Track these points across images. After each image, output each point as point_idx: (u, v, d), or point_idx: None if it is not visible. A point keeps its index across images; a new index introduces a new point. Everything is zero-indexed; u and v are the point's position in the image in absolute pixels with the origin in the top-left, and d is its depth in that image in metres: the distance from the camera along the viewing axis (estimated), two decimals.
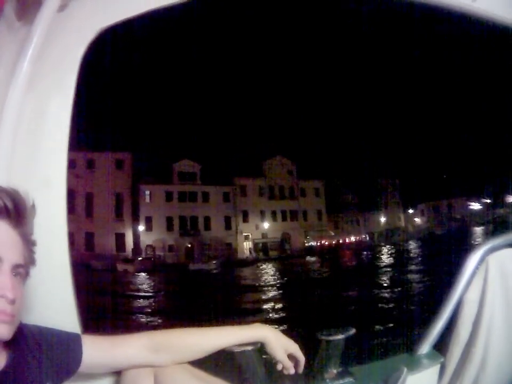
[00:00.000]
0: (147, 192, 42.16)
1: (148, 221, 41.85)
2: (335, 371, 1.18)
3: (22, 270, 0.79)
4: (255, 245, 46.43)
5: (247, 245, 46.19)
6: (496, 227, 31.81)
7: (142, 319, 11.97)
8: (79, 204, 35.98)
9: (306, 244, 48.83)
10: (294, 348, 0.99)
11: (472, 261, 1.23)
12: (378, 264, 25.96)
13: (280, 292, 17.11)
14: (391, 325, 8.72)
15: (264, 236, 47.25)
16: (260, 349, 0.99)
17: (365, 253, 38.29)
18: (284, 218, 49.27)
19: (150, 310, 13.69)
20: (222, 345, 0.96)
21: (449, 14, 1.26)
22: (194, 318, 9.44)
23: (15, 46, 0.95)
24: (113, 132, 40.88)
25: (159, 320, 11.50)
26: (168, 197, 43.06)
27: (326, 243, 49.10)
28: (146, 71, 65.73)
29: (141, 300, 16.27)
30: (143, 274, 30.09)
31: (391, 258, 30.42)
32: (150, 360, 0.92)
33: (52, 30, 0.95)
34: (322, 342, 1.15)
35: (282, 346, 0.97)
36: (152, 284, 23.96)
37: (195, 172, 44.80)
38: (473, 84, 64.11)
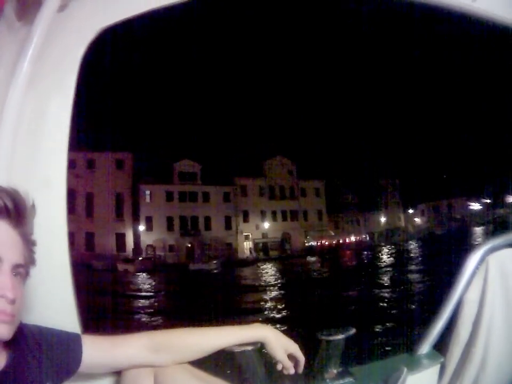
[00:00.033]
0: (147, 192, 42.16)
1: (148, 221, 41.86)
2: (335, 371, 1.18)
3: (22, 270, 0.79)
4: (255, 244, 46.44)
5: (247, 245, 46.20)
6: (496, 227, 31.81)
7: (142, 319, 11.98)
8: (80, 204, 36.00)
9: (306, 244, 48.85)
10: (294, 347, 0.99)
11: (472, 261, 1.23)
12: (379, 264, 25.98)
13: (281, 291, 17.12)
14: (391, 325, 8.73)
15: (264, 235, 47.25)
16: (260, 349, 0.99)
17: (365, 253, 38.33)
18: (284, 218, 49.28)
19: (150, 310, 13.69)
20: (222, 345, 0.96)
21: (449, 14, 1.26)
22: (195, 318, 9.44)
23: (15, 46, 0.95)
24: (113, 131, 40.88)
25: (160, 320, 11.51)
26: (169, 197, 43.08)
27: (326, 243, 49.10)
28: (147, 71, 65.85)
29: (142, 300, 16.29)
30: (144, 274, 30.11)
31: (391, 258, 30.43)
32: (150, 360, 0.92)
33: (52, 30, 0.95)
34: (323, 342, 1.15)
35: (282, 346, 0.97)
36: (153, 284, 23.99)
37: (195, 171, 44.80)
38: (473, 84, 64.16)
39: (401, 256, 29.50)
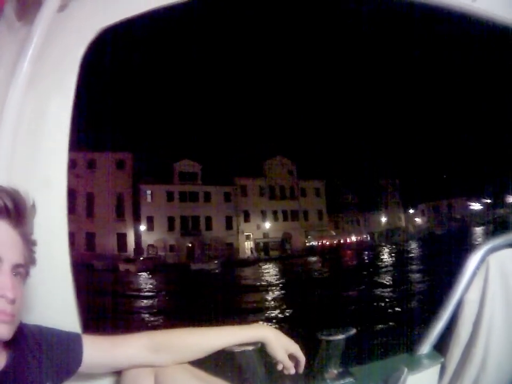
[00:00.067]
0: (148, 192, 42.20)
1: (149, 221, 41.90)
2: (335, 371, 1.18)
3: (22, 270, 0.79)
4: (256, 244, 46.44)
5: (248, 245, 46.21)
6: (496, 227, 31.79)
7: (143, 319, 11.98)
8: (80, 204, 36.02)
9: (307, 244, 48.88)
10: (294, 348, 0.99)
11: (472, 261, 1.23)
12: (379, 264, 25.97)
13: (281, 291, 17.12)
14: (391, 324, 8.73)
15: (265, 235, 47.27)
16: (260, 349, 0.99)
17: (365, 252, 38.31)
18: (285, 218, 49.28)
19: (151, 310, 13.70)
20: (222, 345, 0.96)
21: (449, 14, 1.26)
22: (195, 318, 9.42)
23: (15, 46, 0.95)
24: (113, 131, 40.91)
25: (160, 320, 11.51)
26: (169, 196, 43.10)
27: (327, 243, 49.13)
28: (147, 71, 65.83)
29: (143, 300, 16.29)
30: (145, 274, 30.12)
31: (392, 258, 30.42)
32: (150, 360, 0.92)
33: (52, 30, 0.95)
34: (323, 342, 1.15)
35: (282, 346, 0.97)
36: (154, 284, 23.99)
37: (196, 171, 44.83)
38: (473, 84, 64.11)
39: (401, 256, 29.50)
